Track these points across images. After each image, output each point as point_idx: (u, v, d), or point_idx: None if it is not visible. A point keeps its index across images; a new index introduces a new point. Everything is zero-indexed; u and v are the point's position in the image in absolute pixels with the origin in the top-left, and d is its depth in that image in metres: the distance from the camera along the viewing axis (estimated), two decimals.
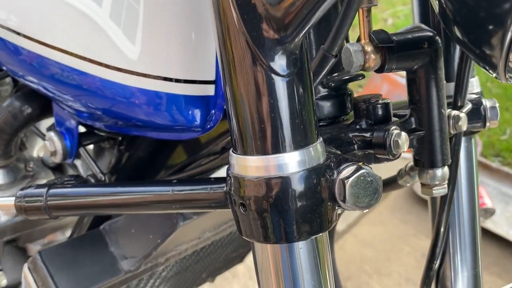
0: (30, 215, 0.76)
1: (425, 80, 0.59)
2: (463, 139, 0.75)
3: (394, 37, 0.56)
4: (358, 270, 2.35)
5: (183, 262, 1.05)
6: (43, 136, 1.09)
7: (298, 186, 0.45)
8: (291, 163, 0.45)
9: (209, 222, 0.94)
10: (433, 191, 0.63)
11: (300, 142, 0.46)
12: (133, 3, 0.62)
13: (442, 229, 0.72)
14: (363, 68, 0.57)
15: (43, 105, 0.96)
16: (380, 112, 0.61)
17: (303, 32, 0.42)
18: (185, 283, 1.19)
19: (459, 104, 0.65)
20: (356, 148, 0.60)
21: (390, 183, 0.76)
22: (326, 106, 0.66)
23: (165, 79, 0.66)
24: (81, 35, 0.67)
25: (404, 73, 0.61)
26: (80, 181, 0.79)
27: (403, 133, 0.57)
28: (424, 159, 0.61)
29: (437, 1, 0.46)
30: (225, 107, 0.48)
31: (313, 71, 0.56)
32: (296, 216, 0.46)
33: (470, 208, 0.77)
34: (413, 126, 0.61)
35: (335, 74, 0.65)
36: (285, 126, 0.45)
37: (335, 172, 0.47)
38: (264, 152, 0.45)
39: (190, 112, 0.68)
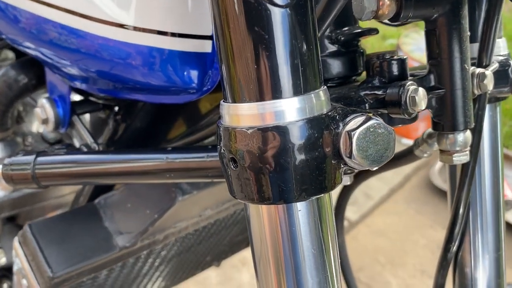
0: (17, 184, 0.72)
1: (446, 30, 0.52)
2: (487, 107, 0.68)
3: None
4: (372, 260, 2.28)
5: (184, 242, 1.00)
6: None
7: (297, 138, 0.39)
8: (289, 110, 0.39)
9: (210, 198, 0.88)
10: (454, 158, 0.56)
11: (300, 87, 0.39)
12: None
13: (461, 207, 0.65)
14: (376, 15, 0.50)
15: (39, 75, 0.91)
16: (395, 69, 0.55)
17: None
18: (188, 265, 1.14)
19: (484, 63, 0.58)
20: (367, 107, 0.53)
21: (406, 155, 0.70)
22: (335, 65, 0.59)
23: (159, 32, 0.60)
24: None
25: None
26: (71, 149, 0.73)
27: (421, 89, 0.50)
28: (444, 122, 0.55)
29: None
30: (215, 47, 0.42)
31: (318, 17, 0.49)
32: (295, 173, 0.40)
33: (493, 184, 0.70)
34: (432, 83, 0.54)
35: (345, 28, 0.59)
36: (282, 67, 0.38)
37: (341, 125, 0.41)
38: (258, 98, 0.39)
39: (186, 71, 0.63)
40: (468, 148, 0.56)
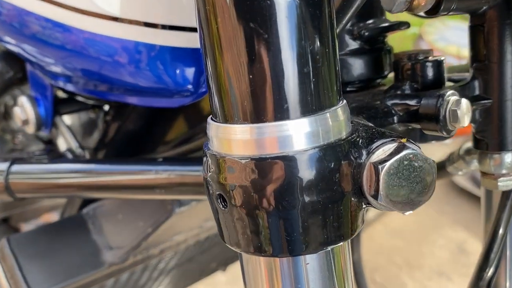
0: None
1: (497, 27, 0.42)
2: None
3: None
4: (387, 261, 2.18)
5: (185, 254, 0.91)
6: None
7: (306, 172, 0.29)
8: (297, 136, 0.30)
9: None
10: (499, 183, 0.46)
11: (312, 104, 0.30)
12: None
13: (500, 230, 0.55)
14: (409, 7, 0.40)
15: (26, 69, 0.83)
16: (430, 73, 0.45)
17: None
18: (191, 273, 1.05)
19: None
20: (395, 120, 0.43)
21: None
22: (357, 65, 0.49)
23: (146, 24, 0.50)
24: None
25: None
26: (53, 157, 0.65)
27: (464, 101, 0.40)
28: (489, 139, 0.45)
29: None
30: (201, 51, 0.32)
31: (337, 8, 0.39)
32: (303, 219, 0.30)
33: None
34: (476, 92, 0.44)
35: (370, 21, 0.49)
36: (288, 77, 0.29)
37: (364, 153, 0.31)
38: (256, 119, 0.29)
39: (178, 70, 0.53)
40: None
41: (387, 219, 2.37)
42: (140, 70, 0.53)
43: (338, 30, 0.40)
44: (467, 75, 0.46)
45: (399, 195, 0.30)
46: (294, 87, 0.29)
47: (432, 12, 0.41)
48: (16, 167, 0.62)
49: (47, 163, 0.62)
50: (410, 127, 0.44)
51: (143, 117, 0.74)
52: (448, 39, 2.55)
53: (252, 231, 0.31)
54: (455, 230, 2.28)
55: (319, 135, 0.30)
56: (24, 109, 0.70)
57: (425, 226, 2.35)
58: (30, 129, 0.70)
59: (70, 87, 0.65)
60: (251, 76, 0.28)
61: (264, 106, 0.29)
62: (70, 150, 0.69)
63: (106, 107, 0.75)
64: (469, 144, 0.51)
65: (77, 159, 0.67)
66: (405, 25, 0.49)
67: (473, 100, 0.44)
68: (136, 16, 0.49)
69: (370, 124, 0.36)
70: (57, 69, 0.63)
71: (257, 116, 0.29)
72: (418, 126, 0.42)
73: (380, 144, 0.31)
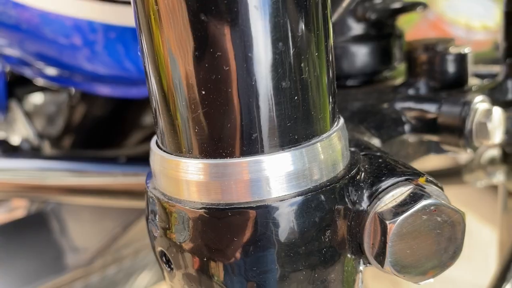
0: None
1: None
2: None
3: None
4: None
5: None
6: None
7: (287, 227, 0.21)
8: (275, 177, 0.20)
9: None
10: None
11: (296, 132, 0.21)
12: None
13: None
14: None
15: None
16: (451, 69, 0.35)
17: None
18: None
19: None
20: (407, 130, 0.34)
21: (448, 175, 0.51)
22: (360, 54, 0.40)
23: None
24: None
25: None
26: (5, 148, 0.56)
27: (497, 111, 0.31)
28: None
29: None
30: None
31: None
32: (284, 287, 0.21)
33: None
34: (510, 96, 0.35)
35: (378, 0, 0.39)
36: (263, 96, 0.19)
37: (366, 196, 0.22)
38: (216, 152, 0.20)
39: None
40: None
41: None
42: (97, 54, 0.44)
43: (334, 19, 0.31)
44: (498, 71, 0.36)
45: (413, 261, 0.21)
46: (269, 108, 0.20)
47: None
48: None
49: None
50: (424, 139, 0.34)
51: (113, 101, 0.64)
52: (458, 9, 2.42)
53: None
54: None
55: (306, 176, 0.21)
56: None
57: None
58: None
59: (26, 72, 0.55)
60: (205, 90, 0.19)
61: (227, 133, 0.20)
62: (27, 140, 0.60)
63: (72, 90, 0.65)
64: (494, 152, 0.42)
65: (31, 154, 0.58)
66: (421, 5, 0.39)
67: (506, 105, 0.34)
68: None
69: (376, 147, 0.27)
70: (9, 51, 0.53)
71: (217, 147, 0.20)
72: (435, 138, 0.33)
73: (390, 186, 0.22)
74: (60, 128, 0.66)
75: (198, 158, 0.21)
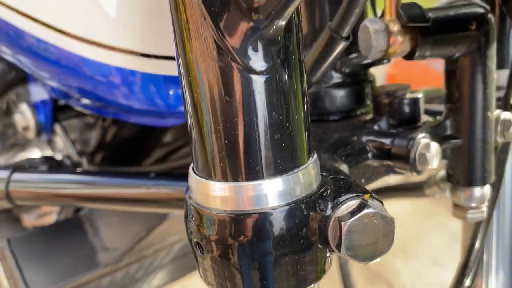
0: None
1: (469, 74, 0.44)
2: None
3: (430, 14, 0.41)
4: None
5: (179, 250, 0.95)
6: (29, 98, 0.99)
7: (279, 226, 0.32)
8: (271, 194, 0.32)
9: None
10: (468, 215, 0.49)
11: (284, 165, 0.32)
12: None
13: (472, 257, 0.58)
14: (385, 53, 0.42)
15: None
16: (406, 110, 0.47)
17: (285, 14, 0.28)
18: (186, 267, 1.09)
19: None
20: (370, 157, 0.46)
21: (412, 189, 0.63)
22: (338, 97, 0.52)
23: (142, 55, 0.53)
24: (54, 3, 0.54)
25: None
26: (51, 165, 0.67)
27: (434, 144, 0.42)
28: (460, 175, 0.47)
29: None
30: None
31: (316, 57, 0.42)
32: (274, 268, 0.33)
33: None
34: (448, 132, 0.47)
35: (353, 56, 0.51)
36: (263, 143, 0.31)
37: (330, 206, 0.34)
38: (233, 178, 0.32)
39: (171, 92, 0.56)
40: (486, 204, 0.49)
41: (384, 207, 2.41)
42: (134, 93, 0.56)
43: (315, 77, 0.43)
44: (442, 109, 0.48)
45: (360, 248, 0.33)
46: (268, 151, 0.31)
47: (408, 58, 0.43)
48: (16, 176, 0.65)
49: (45, 172, 0.65)
50: (383, 164, 0.46)
51: (139, 124, 0.76)
52: None
53: (226, 278, 0.34)
54: (450, 219, 2.32)
55: (291, 192, 0.33)
56: (24, 116, 0.72)
57: (421, 214, 2.38)
58: (30, 135, 0.73)
59: (66, 101, 0.67)
60: (229, 142, 0.31)
61: (240, 167, 0.32)
62: (68, 156, 0.72)
63: None
64: (444, 173, 0.54)
65: (74, 170, 0.70)
66: (386, 59, 0.51)
67: (444, 139, 0.46)
68: (134, 47, 0.51)
69: (341, 172, 0.38)
70: (53, 84, 0.65)
71: (234, 175, 0.32)
72: (390, 163, 0.45)
73: (345, 200, 0.34)
74: (93, 147, 0.78)
75: (221, 181, 0.32)
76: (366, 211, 0.33)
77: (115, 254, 0.76)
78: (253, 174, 0.32)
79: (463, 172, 0.47)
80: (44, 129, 0.73)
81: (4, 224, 1.17)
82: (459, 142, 0.46)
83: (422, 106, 0.48)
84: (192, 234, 0.35)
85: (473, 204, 0.48)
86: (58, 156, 0.75)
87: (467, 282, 0.63)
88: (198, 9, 0.29)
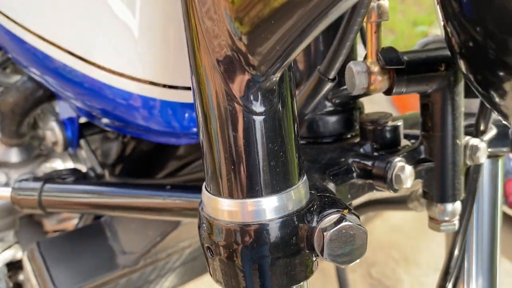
0: (24, 208, 0.75)
1: (440, 107, 0.52)
2: (487, 161, 0.67)
3: (405, 57, 0.49)
4: (385, 256, 2.29)
5: (190, 254, 1.03)
6: (56, 114, 1.08)
7: (274, 234, 0.40)
8: (268, 209, 0.40)
9: None
10: (441, 227, 0.56)
11: (279, 185, 0.40)
12: (129, 14, 0.57)
13: (452, 264, 0.66)
14: (367, 90, 0.50)
15: None
16: (388, 135, 0.55)
17: (280, 70, 0.36)
18: (195, 270, 1.17)
19: (481, 129, 0.58)
20: (355, 176, 0.54)
21: (398, 203, 0.70)
22: (331, 122, 0.60)
23: (164, 86, 0.61)
24: (82, 35, 0.63)
25: None
26: (77, 176, 0.76)
27: (408, 167, 0.50)
28: (434, 193, 0.55)
29: (445, 27, 0.39)
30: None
31: (308, 95, 0.50)
32: (271, 268, 0.41)
33: (489, 237, 0.70)
34: (423, 156, 0.54)
35: (343, 88, 0.59)
36: (262, 168, 0.39)
37: (315, 219, 0.42)
38: (238, 196, 0.40)
39: (186, 117, 0.64)
40: (457, 217, 0.56)
41: (386, 215, 2.47)
42: (155, 117, 0.64)
43: (308, 110, 0.51)
44: (419, 135, 0.56)
45: (339, 254, 0.41)
46: (266, 175, 0.40)
47: (387, 93, 0.51)
48: (47, 186, 0.73)
49: (72, 183, 0.73)
50: (366, 182, 0.54)
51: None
52: None
53: (232, 276, 0.42)
54: None
55: (285, 207, 0.41)
56: (54, 132, 0.81)
57: (423, 222, 2.45)
58: (59, 149, 0.82)
59: (89, 119, 0.76)
60: (235, 167, 0.39)
61: (244, 187, 0.40)
62: (92, 168, 0.81)
63: None
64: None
65: (98, 181, 0.78)
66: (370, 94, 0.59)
67: (419, 162, 0.54)
68: (157, 78, 0.60)
69: (328, 190, 0.46)
70: (76, 103, 0.74)
71: (240, 194, 0.40)
72: (371, 182, 0.53)
73: (328, 214, 0.42)
74: (114, 159, 0.87)
75: (228, 198, 0.41)
76: (344, 223, 0.40)
77: (132, 257, 0.84)
78: (254, 193, 0.40)
79: (436, 190, 0.54)
80: (71, 144, 0.82)
81: (27, 228, 1.26)
82: (432, 164, 0.54)
83: (402, 132, 0.56)
84: (204, 240, 0.43)
85: (446, 218, 0.56)
86: (82, 167, 0.83)
87: (449, 287, 0.70)
88: (212, 62, 0.37)
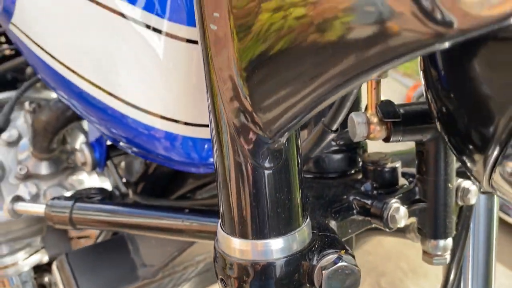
0: (56, 224, 0.82)
1: (433, 154, 0.57)
2: (482, 197, 0.73)
3: (401, 110, 0.55)
4: (394, 266, 2.33)
5: (205, 266, 1.09)
6: (84, 131, 1.15)
7: (279, 271, 0.47)
8: (275, 249, 0.46)
9: None
10: (433, 261, 0.62)
11: (285, 229, 0.47)
12: (156, 59, 0.64)
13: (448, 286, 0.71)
14: (367, 138, 0.56)
15: None
16: (386, 176, 0.61)
17: (287, 135, 0.43)
18: (209, 279, 1.24)
19: None
20: (355, 213, 0.60)
21: (398, 231, 0.76)
22: (335, 160, 0.66)
23: (186, 123, 0.67)
24: (109, 72, 0.69)
25: None
26: (104, 195, 0.83)
27: (402, 208, 0.56)
28: (426, 230, 0.61)
29: (426, 92, 0.45)
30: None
31: (313, 143, 0.56)
32: None
33: (485, 266, 0.75)
34: (417, 196, 0.60)
35: (346, 130, 0.65)
36: (269, 215, 0.46)
37: (315, 258, 0.48)
38: (248, 237, 0.47)
39: (205, 149, 0.70)
40: (448, 252, 0.62)
41: None
42: (176, 149, 0.71)
43: (313, 155, 0.57)
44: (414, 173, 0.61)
45: None
46: (273, 220, 0.46)
47: (385, 141, 0.57)
48: (78, 205, 0.81)
49: (99, 202, 0.81)
50: (366, 218, 0.60)
51: None
52: None
53: None
54: None
55: (289, 248, 0.47)
56: (83, 154, 0.88)
57: None
58: (87, 169, 0.89)
59: (113, 143, 0.83)
60: (246, 213, 0.46)
61: (253, 230, 0.46)
62: (117, 187, 0.88)
63: None
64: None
65: (122, 202, 0.85)
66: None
67: (414, 202, 0.60)
68: (179, 117, 0.66)
69: (329, 228, 0.53)
70: (100, 128, 0.80)
71: (250, 235, 0.46)
72: (370, 219, 0.59)
73: (326, 254, 0.48)
74: (137, 178, 0.94)
75: (241, 238, 0.47)
76: (340, 264, 0.46)
77: (151, 269, 0.91)
78: (263, 235, 0.46)
79: (429, 228, 0.60)
80: (99, 165, 0.89)
81: (53, 234, 1.34)
82: (426, 205, 0.59)
83: (399, 171, 0.62)
84: (218, 272, 0.49)
85: (438, 253, 0.61)
86: (105, 181, 0.90)
87: None
88: (226, 116, 0.43)
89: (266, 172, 0.44)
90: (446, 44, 0.27)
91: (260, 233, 0.46)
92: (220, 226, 0.50)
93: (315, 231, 0.51)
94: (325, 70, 0.34)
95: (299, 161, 0.47)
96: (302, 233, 0.48)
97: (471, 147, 0.40)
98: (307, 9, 0.32)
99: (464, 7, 0.24)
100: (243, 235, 0.47)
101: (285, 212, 0.46)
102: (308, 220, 0.49)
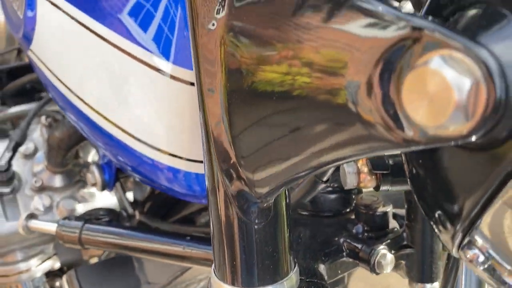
0: (66, 243, 0.87)
1: None
2: None
3: (390, 161, 0.58)
4: (397, 280, 2.35)
5: (205, 284, 1.13)
6: (95, 146, 1.20)
7: None
8: None
9: None
10: None
11: (272, 278, 0.50)
12: (162, 101, 0.67)
13: None
14: (357, 187, 0.59)
15: None
16: (377, 220, 0.63)
17: (274, 196, 0.46)
18: None
19: None
20: (344, 255, 0.63)
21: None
22: (330, 200, 0.69)
23: (188, 160, 0.71)
24: (115, 105, 0.73)
25: None
26: (112, 216, 0.87)
27: (389, 255, 0.59)
28: (414, 274, 0.63)
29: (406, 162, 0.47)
30: None
31: (305, 191, 0.59)
32: None
33: None
34: (405, 242, 0.63)
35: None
36: (258, 265, 0.49)
37: None
38: (238, 284, 0.50)
39: None
40: None
41: None
42: (176, 179, 0.74)
43: (308, 198, 0.60)
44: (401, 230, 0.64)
45: None
46: (262, 270, 0.49)
47: (375, 190, 0.60)
48: (87, 226, 0.85)
49: (107, 224, 0.85)
50: (355, 261, 0.63)
51: None
52: None
53: None
54: None
55: None
56: (93, 175, 0.92)
57: None
58: (97, 189, 0.93)
59: (121, 168, 0.87)
60: (235, 262, 0.49)
61: (243, 278, 0.49)
62: (124, 209, 0.92)
63: None
64: None
65: (129, 225, 0.89)
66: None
67: (402, 247, 0.62)
68: (182, 153, 0.69)
69: (317, 273, 0.56)
70: (105, 153, 0.84)
71: (239, 283, 0.50)
72: (358, 262, 0.62)
73: None
74: (143, 198, 0.98)
75: (230, 285, 0.50)
76: None
77: (155, 287, 0.95)
78: (252, 283, 0.49)
79: (416, 271, 0.63)
80: (108, 186, 0.93)
81: None
82: (413, 250, 0.62)
83: (391, 214, 0.65)
84: None
85: None
86: (116, 200, 0.95)
87: None
88: (220, 167, 0.46)
89: (256, 226, 0.48)
90: (412, 148, 0.30)
91: (249, 282, 0.49)
92: (213, 270, 0.53)
93: (303, 277, 0.54)
94: (305, 150, 0.37)
95: (288, 215, 0.50)
96: (290, 281, 0.51)
97: (438, 217, 0.42)
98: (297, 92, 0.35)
99: (424, 128, 0.27)
100: (234, 283, 0.50)
101: (273, 264, 0.49)
102: (296, 268, 0.52)
